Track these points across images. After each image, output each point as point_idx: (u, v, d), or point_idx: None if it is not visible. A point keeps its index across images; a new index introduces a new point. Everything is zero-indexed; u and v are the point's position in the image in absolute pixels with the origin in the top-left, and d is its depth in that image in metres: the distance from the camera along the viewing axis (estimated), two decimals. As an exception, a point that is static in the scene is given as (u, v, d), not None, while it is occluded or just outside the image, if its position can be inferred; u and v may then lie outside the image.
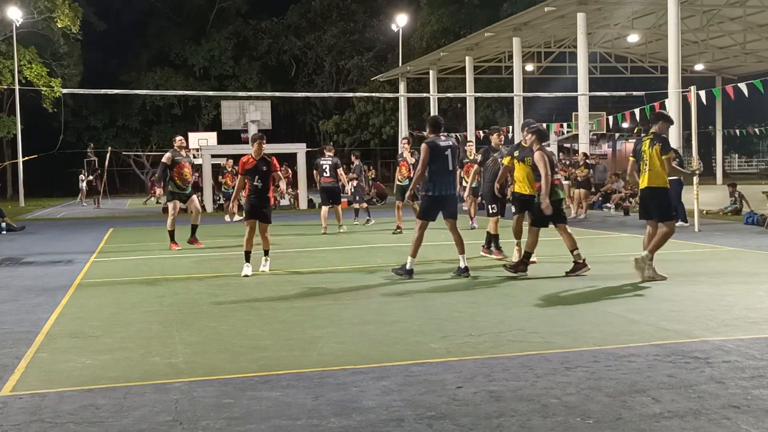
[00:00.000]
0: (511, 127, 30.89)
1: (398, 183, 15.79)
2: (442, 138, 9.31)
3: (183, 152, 13.57)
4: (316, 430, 4.00)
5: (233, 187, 15.33)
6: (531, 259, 9.62)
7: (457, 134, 40.10)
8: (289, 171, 28.36)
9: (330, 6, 59.00)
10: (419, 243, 9.30)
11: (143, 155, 56.55)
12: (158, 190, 14.56)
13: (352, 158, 19.08)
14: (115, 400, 4.57)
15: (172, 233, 13.37)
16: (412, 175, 13.82)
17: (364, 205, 18.52)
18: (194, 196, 13.78)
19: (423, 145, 9.31)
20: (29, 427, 4.15)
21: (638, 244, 12.83)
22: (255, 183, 9.94)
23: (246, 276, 9.66)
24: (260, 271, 9.94)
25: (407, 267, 9.23)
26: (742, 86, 17.60)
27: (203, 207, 25.85)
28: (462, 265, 9.34)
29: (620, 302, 7.35)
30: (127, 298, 8.34)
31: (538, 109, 41.57)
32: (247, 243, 9.85)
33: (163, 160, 13.41)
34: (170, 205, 13.52)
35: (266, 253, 10.13)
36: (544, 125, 30.73)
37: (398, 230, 15.32)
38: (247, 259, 9.85)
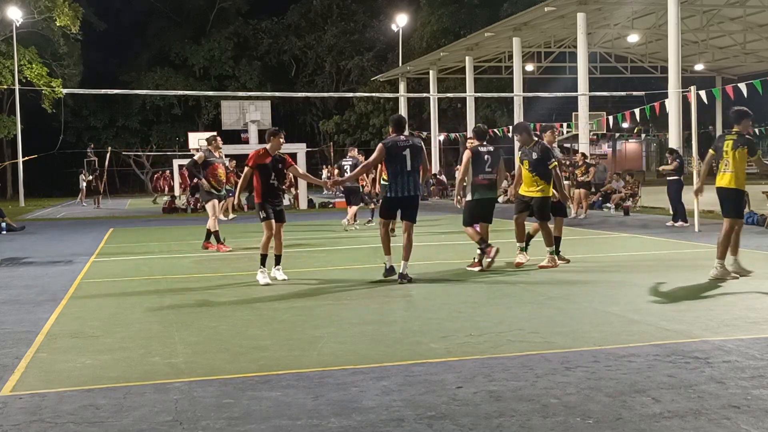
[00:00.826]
0: (511, 127, 30.90)
1: (383, 183, 15.52)
2: (402, 138, 8.93)
3: (217, 153, 12.98)
4: (316, 430, 4.00)
5: (235, 185, 14.50)
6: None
7: (458, 134, 40.13)
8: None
9: (330, 6, 59.03)
10: (387, 240, 8.97)
11: (143, 155, 56.57)
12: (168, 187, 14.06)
13: (361, 158, 19.14)
14: (115, 400, 4.57)
15: (217, 234, 12.76)
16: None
17: (371, 205, 18.56)
18: (224, 201, 13.08)
19: (379, 145, 9.03)
20: (29, 427, 4.15)
21: (638, 243, 12.87)
22: (272, 181, 9.23)
23: (267, 285, 8.89)
24: (278, 279, 9.15)
25: (387, 266, 8.91)
26: (742, 86, 17.60)
27: (203, 207, 25.87)
28: (402, 270, 8.86)
29: (620, 302, 7.34)
30: (127, 298, 8.34)
31: (538, 109, 41.60)
32: (264, 246, 9.16)
33: (195, 158, 12.92)
34: (209, 206, 12.89)
35: (279, 260, 9.31)
36: (544, 125, 30.74)
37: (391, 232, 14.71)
38: (264, 264, 9.11)
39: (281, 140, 9.31)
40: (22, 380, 5.06)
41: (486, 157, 9.67)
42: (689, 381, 4.68)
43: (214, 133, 13.43)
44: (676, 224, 15.96)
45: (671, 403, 4.27)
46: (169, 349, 5.84)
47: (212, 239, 12.96)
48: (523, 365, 5.11)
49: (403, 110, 40.10)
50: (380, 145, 9.01)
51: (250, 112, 30.35)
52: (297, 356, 5.54)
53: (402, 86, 41.57)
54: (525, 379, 4.80)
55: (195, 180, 12.91)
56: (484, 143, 9.81)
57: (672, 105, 20.07)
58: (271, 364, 5.30)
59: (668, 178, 16.46)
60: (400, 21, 42.48)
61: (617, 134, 47.32)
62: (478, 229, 9.88)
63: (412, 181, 8.87)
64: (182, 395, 4.63)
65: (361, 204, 18.00)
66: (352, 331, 6.34)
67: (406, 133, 9.32)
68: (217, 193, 12.94)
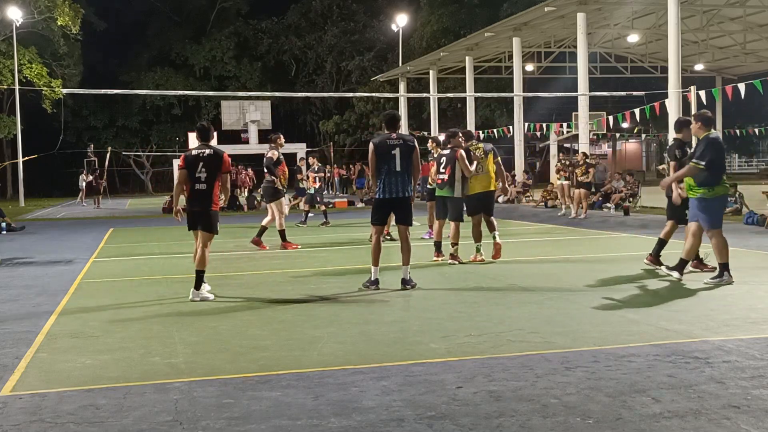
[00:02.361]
0: (511, 127, 30.93)
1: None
2: (393, 136, 8.48)
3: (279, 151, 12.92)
4: (316, 430, 4.00)
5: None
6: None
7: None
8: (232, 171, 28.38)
9: (330, 6, 59.03)
10: (377, 250, 8.53)
11: (143, 155, 56.57)
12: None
13: (312, 159, 19.21)
14: (115, 400, 4.57)
15: (283, 233, 12.77)
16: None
17: (322, 207, 18.85)
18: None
19: (370, 144, 8.65)
20: (29, 427, 4.15)
21: (638, 243, 12.85)
22: None
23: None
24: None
25: (372, 278, 8.52)
26: (742, 86, 17.60)
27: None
28: (404, 275, 8.52)
29: (620, 302, 7.35)
30: (127, 298, 8.34)
31: (538, 109, 41.57)
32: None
33: (269, 155, 12.76)
34: (276, 204, 12.79)
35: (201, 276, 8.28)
36: (545, 125, 30.41)
37: (387, 236, 14.25)
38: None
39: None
40: (22, 380, 5.06)
41: (442, 159, 10.56)
42: (689, 381, 4.68)
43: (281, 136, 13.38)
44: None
45: (671, 403, 4.27)
46: (169, 349, 5.84)
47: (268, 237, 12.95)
48: (523, 365, 5.11)
49: (403, 110, 40.11)
50: (370, 143, 8.69)
51: (250, 112, 30.41)
52: (297, 356, 5.54)
53: (402, 86, 41.57)
54: (525, 379, 4.80)
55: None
56: (447, 147, 10.64)
57: (672, 105, 20.07)
58: (271, 364, 5.30)
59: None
60: (400, 21, 42.47)
61: (617, 134, 47.30)
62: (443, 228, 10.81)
63: (401, 182, 8.44)
64: (182, 395, 4.63)
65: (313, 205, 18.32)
66: (352, 331, 6.34)
67: (404, 131, 9.32)
68: (283, 190, 12.84)
